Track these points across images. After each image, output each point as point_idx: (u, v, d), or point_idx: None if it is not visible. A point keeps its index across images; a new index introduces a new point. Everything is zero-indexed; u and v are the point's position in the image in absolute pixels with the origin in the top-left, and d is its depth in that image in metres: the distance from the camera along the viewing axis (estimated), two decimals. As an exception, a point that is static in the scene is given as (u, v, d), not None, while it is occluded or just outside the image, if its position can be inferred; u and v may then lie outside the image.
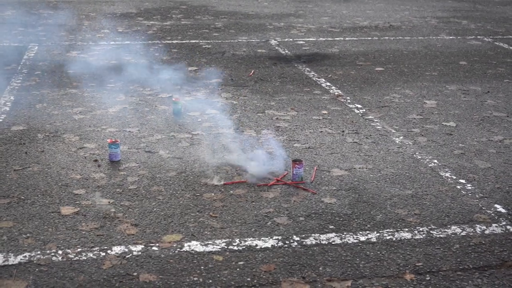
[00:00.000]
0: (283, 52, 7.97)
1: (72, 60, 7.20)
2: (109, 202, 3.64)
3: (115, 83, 6.23)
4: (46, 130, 4.87)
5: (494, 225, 3.52)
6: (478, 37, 9.34)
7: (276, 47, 8.26)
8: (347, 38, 9.01)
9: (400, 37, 9.16)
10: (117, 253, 3.11)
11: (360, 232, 3.38)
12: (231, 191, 3.83)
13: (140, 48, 7.69)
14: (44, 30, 8.95)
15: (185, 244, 3.21)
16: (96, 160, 4.28)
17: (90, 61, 7.17)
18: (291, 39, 8.81)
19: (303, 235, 3.33)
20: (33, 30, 8.99)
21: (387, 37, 9.14)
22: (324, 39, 8.93)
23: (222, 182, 3.94)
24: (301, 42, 8.66)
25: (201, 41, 8.25)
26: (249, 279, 2.92)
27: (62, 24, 9.45)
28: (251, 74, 6.75)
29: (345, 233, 3.37)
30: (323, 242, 3.27)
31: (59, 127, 4.94)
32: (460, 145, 4.76)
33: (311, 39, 8.90)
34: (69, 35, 8.71)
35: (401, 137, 4.89)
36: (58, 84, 6.19)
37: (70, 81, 6.28)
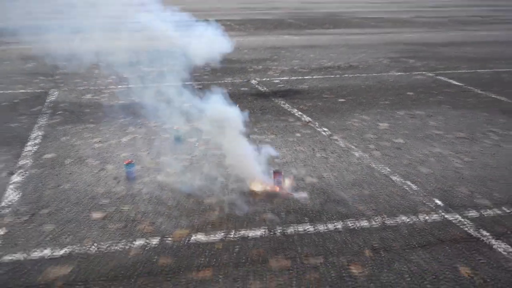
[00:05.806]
0: (262, 89, 8.39)
1: (87, 101, 7.56)
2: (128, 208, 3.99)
3: (125, 118, 6.60)
4: (71, 157, 5.20)
5: (434, 214, 3.91)
6: (423, 72, 9.83)
7: (256, 86, 8.69)
8: (314, 77, 9.47)
9: (358, 75, 9.63)
10: (139, 245, 3.45)
11: (329, 223, 3.76)
12: (225, 197, 4.19)
13: (142, 90, 8.04)
14: (62, 78, 9.32)
15: (192, 237, 3.56)
16: (115, 178, 4.62)
17: (103, 101, 7.54)
18: (268, 79, 9.25)
19: (284, 226, 3.70)
20: (52, 78, 9.35)
21: (347, 75, 9.61)
22: (295, 78, 9.38)
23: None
24: (277, 81, 9.10)
25: (193, 83, 8.66)
26: (243, 259, 3.27)
27: (76, 73, 9.82)
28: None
29: (317, 223, 3.74)
30: (300, 231, 3.64)
31: (82, 154, 5.28)
32: (407, 156, 5.17)
33: (284, 78, 9.35)
34: (83, 81, 9.08)
35: (360, 152, 5.29)
36: (78, 120, 6.54)
37: (88, 118, 6.63)
